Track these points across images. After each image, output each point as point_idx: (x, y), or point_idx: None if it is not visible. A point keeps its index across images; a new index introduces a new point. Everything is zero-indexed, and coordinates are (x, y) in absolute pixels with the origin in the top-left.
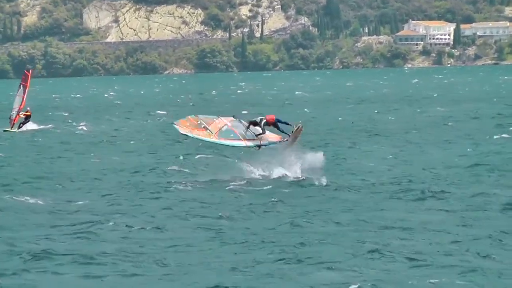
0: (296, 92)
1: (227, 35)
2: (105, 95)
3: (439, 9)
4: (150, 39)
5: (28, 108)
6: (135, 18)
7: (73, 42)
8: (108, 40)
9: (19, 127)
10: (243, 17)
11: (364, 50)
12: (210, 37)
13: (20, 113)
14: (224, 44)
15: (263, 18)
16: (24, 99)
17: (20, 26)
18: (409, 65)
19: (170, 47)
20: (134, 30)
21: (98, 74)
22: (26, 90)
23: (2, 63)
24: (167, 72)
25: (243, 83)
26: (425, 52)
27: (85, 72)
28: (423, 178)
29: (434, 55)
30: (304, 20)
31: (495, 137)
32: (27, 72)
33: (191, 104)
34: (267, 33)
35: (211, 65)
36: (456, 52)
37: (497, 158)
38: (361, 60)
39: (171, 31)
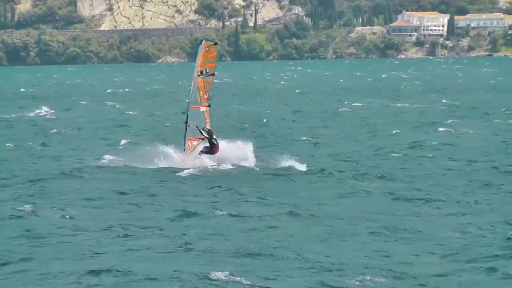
0: (264, 82)
1: (221, 24)
2: (83, 84)
3: (433, 0)
4: (144, 27)
5: None
6: (129, 6)
7: (67, 30)
8: (101, 28)
9: None
10: (237, 6)
11: (357, 41)
12: (204, 26)
13: None
14: (217, 33)
15: (257, 8)
16: None
17: (14, 13)
18: (402, 56)
19: (163, 35)
20: (128, 19)
21: (91, 62)
22: None
23: None
24: (160, 60)
25: (225, 73)
26: (419, 43)
27: (78, 60)
28: (359, 167)
29: (427, 46)
30: (297, 10)
31: (440, 129)
32: None
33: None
34: (261, 22)
35: None
36: (449, 43)
37: (436, 149)
38: (355, 50)
39: (165, 20)
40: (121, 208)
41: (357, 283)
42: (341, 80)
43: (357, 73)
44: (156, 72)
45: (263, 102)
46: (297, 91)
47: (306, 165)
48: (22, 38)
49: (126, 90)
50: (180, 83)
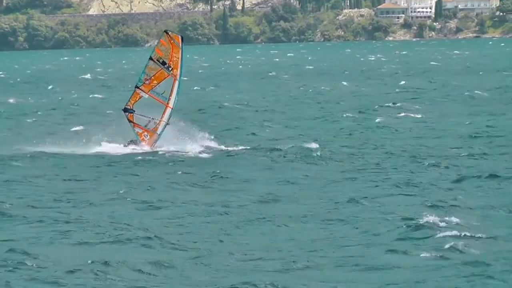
0: (240, 66)
1: (209, 8)
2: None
3: None
4: (132, 11)
5: None
6: None
7: (55, 15)
8: (89, 12)
9: None
10: None
11: (345, 23)
12: (192, 10)
13: None
14: (205, 17)
15: None
16: None
17: None
18: (390, 38)
19: (151, 19)
20: (116, 3)
21: (80, 46)
22: None
23: None
24: (148, 44)
25: (206, 58)
26: (406, 25)
27: (67, 44)
28: (314, 150)
29: (415, 28)
30: None
31: (400, 113)
32: None
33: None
34: (248, 6)
35: (192, 38)
36: (437, 25)
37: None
38: (343, 33)
39: (153, 4)
40: (57, 195)
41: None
42: (325, 64)
43: (341, 57)
44: (139, 57)
45: (233, 87)
46: (271, 74)
47: (261, 150)
48: (11, 23)
49: (103, 77)
50: None
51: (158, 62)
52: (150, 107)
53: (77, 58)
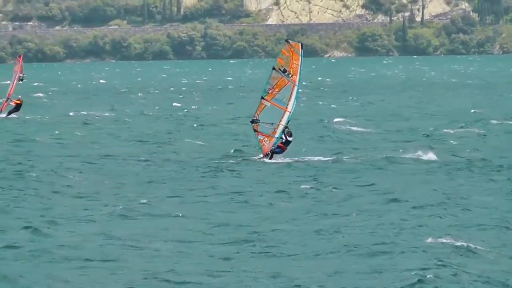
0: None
1: (388, 19)
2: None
3: None
4: (311, 22)
5: (19, 96)
6: (296, 1)
7: (233, 24)
8: (268, 22)
9: (8, 114)
10: (404, 1)
11: None
12: (371, 21)
13: (9, 101)
14: (384, 28)
15: (424, 3)
16: (13, 85)
17: (180, 7)
18: None
19: (330, 30)
20: (295, 13)
21: (258, 56)
22: (16, 76)
23: (161, 44)
24: (327, 55)
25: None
26: None
27: (245, 54)
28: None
29: None
30: (464, 5)
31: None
32: (18, 58)
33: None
34: (428, 17)
35: (371, 48)
36: None
37: None
38: None
39: (332, 15)
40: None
41: None
42: (477, 79)
43: (495, 71)
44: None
45: (366, 99)
46: (417, 87)
47: (378, 160)
48: (188, 32)
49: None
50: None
51: (279, 71)
52: (270, 113)
53: (246, 68)
